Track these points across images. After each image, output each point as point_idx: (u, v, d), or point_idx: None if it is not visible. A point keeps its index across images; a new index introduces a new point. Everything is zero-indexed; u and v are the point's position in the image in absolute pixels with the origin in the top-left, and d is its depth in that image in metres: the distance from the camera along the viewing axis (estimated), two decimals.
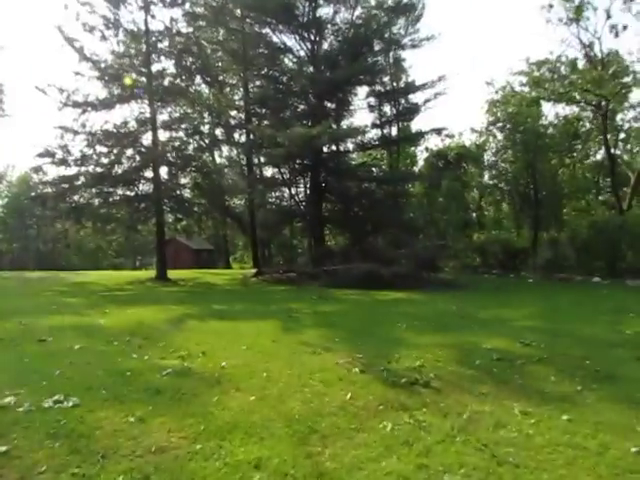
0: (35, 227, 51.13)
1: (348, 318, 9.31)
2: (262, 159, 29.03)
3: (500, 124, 28.52)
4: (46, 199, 18.73)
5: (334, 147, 25.20)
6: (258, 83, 24.97)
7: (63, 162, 19.14)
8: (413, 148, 37.24)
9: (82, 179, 18.94)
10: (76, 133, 19.33)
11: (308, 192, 26.40)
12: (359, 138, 26.13)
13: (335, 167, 23.78)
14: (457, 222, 31.89)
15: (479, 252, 29.22)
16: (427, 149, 37.77)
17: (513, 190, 31.26)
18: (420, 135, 26.69)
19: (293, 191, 28.31)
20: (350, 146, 25.53)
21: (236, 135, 28.79)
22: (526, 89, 30.25)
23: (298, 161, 23.06)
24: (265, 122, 24.64)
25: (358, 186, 26.14)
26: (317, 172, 23.17)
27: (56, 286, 17.03)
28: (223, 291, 16.03)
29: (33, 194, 21.21)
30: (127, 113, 20.79)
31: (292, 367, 5.48)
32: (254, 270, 22.97)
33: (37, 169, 18.97)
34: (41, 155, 18.83)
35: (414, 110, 27.25)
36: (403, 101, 28.25)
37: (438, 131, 24.44)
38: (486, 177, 37.73)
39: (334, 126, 23.03)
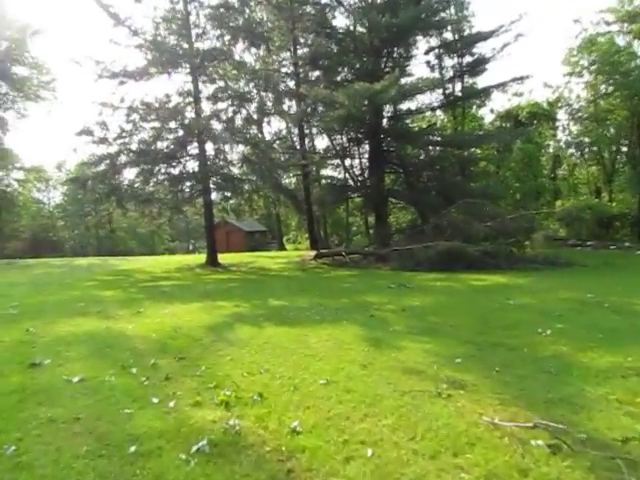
0: (94, 213, 51.45)
1: (452, 318, 6.79)
2: (314, 130, 26.60)
3: (593, 67, 24.11)
4: (86, 181, 17.22)
5: (394, 109, 22.27)
6: (309, 41, 22.13)
7: (103, 140, 17.57)
8: (478, 109, 33.19)
9: (123, 157, 17.26)
10: (115, 108, 17.65)
11: (367, 163, 23.68)
12: (421, 99, 23.02)
13: (398, 131, 20.84)
14: (536, 190, 28.07)
15: (565, 222, 25.51)
16: (492, 111, 33.82)
17: (605, 147, 26.84)
18: (492, 88, 22.99)
19: (349, 163, 25.66)
20: (412, 106, 22.40)
21: (285, 107, 26.44)
22: (614, 28, 25.81)
23: (357, 126, 20.29)
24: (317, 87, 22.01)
25: (424, 153, 23.17)
26: (377, 139, 20.37)
27: (100, 275, 15.66)
28: (280, 278, 13.84)
29: (72, 176, 19.89)
30: (169, 86, 18.94)
31: (414, 432, 3.10)
32: (312, 252, 20.74)
33: (76, 149, 17.57)
34: (80, 133, 17.34)
35: (482, 62, 23.45)
36: (467, 55, 24.59)
37: (518, 80, 20.48)
38: (561, 138, 33.36)
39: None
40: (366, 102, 17.35)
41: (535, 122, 31.52)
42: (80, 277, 15.01)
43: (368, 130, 20.32)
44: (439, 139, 23.36)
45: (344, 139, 24.33)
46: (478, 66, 23.75)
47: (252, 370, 4.56)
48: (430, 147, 23.28)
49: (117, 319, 7.35)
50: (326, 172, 29.04)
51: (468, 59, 24.45)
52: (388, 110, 21.53)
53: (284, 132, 30.60)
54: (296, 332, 6.09)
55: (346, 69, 21.72)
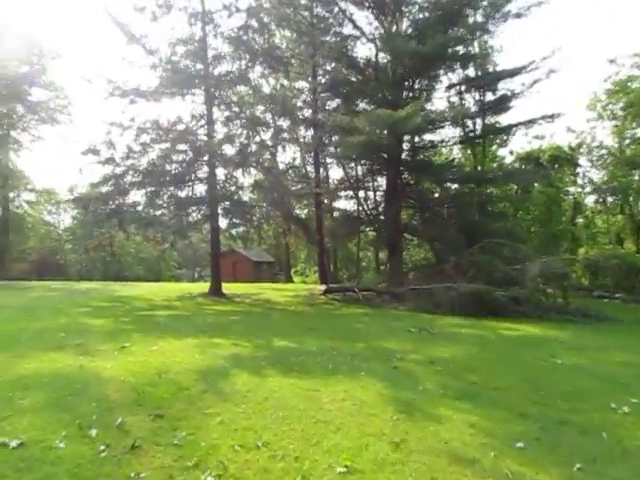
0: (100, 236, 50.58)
1: (493, 377, 5.60)
2: (329, 160, 26.06)
3: (629, 110, 23.32)
4: (88, 202, 16.44)
5: (413, 141, 21.53)
6: (328, 68, 21.66)
7: (110, 161, 16.89)
8: (498, 148, 32.46)
9: (129, 178, 16.53)
10: (125, 128, 17.07)
11: (381, 196, 22.77)
12: (443, 133, 22.39)
13: (419, 164, 20.02)
14: (559, 235, 26.85)
15: (590, 271, 24.17)
16: (511, 152, 33.03)
17: (633, 195, 25.80)
18: (520, 125, 22.18)
19: (362, 195, 24.75)
20: (434, 138, 21.69)
21: (300, 135, 25.97)
22: None
23: (375, 155, 19.50)
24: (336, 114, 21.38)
25: (442, 189, 22.29)
26: (396, 170, 19.51)
27: (96, 301, 14.68)
28: (287, 314, 12.70)
29: (73, 196, 19.20)
30: (182, 107, 18.49)
31: None
32: (321, 286, 19.62)
33: (82, 170, 16.80)
34: (86, 153, 16.69)
35: (506, 99, 22.66)
36: (489, 92, 23.95)
37: (549, 117, 19.63)
38: (583, 185, 32.33)
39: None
40: (386, 131, 16.63)
41: (556, 166, 30.56)
42: (75, 302, 14.05)
43: (387, 161, 19.50)
44: (460, 175, 22.50)
45: (359, 170, 23.62)
46: (502, 104, 22.82)
47: (246, 441, 3.44)
48: (449, 183, 22.45)
49: (96, 355, 6.28)
50: (339, 204, 28.32)
51: (490, 97, 23.80)
52: (408, 141, 20.77)
53: (298, 161, 30.11)
54: (305, 385, 4.96)
55: (366, 99, 21.12)
